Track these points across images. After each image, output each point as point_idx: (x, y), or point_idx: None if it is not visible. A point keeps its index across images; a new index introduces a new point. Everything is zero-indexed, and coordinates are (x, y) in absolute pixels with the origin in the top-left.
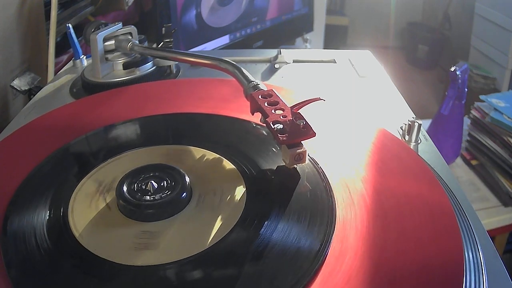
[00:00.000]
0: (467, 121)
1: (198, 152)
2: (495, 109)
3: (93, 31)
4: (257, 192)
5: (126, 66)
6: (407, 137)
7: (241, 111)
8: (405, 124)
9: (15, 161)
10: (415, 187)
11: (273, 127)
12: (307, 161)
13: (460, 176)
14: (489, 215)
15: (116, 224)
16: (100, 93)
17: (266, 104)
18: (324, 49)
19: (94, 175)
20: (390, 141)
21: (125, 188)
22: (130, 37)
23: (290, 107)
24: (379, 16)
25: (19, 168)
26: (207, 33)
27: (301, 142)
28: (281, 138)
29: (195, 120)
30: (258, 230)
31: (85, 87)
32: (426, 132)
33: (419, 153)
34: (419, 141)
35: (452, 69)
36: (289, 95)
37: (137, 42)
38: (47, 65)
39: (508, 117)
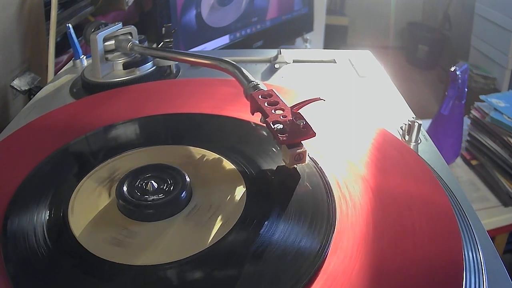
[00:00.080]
0: (467, 121)
1: (198, 152)
2: (495, 109)
3: (93, 31)
4: (257, 192)
5: (126, 66)
6: (407, 137)
7: (241, 111)
8: (405, 124)
9: (15, 161)
10: (415, 187)
11: (273, 127)
12: (307, 161)
13: (460, 176)
14: (489, 215)
15: (116, 224)
16: (100, 93)
17: (266, 104)
18: (324, 49)
19: (94, 175)
20: (390, 141)
21: (125, 188)
22: (130, 37)
23: (290, 107)
24: (379, 16)
25: (19, 168)
26: (207, 33)
27: (301, 142)
28: (281, 138)
29: (195, 120)
30: (258, 230)
31: (85, 87)
32: (426, 132)
33: (419, 153)
34: (419, 141)
35: (452, 69)
36: (289, 95)
37: (137, 42)
38: (47, 65)
39: (508, 117)
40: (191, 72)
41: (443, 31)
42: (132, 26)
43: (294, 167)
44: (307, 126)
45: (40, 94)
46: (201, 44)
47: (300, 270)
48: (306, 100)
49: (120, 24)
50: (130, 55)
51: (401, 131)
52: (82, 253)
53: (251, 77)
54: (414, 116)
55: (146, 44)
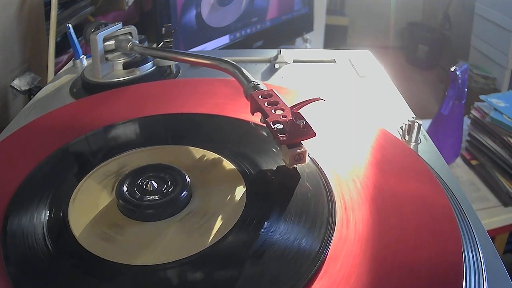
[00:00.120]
0: (467, 121)
1: (198, 152)
2: (495, 109)
3: (93, 31)
4: (257, 192)
5: (126, 66)
6: (407, 137)
7: (241, 111)
8: (405, 124)
9: (15, 161)
10: (415, 187)
11: (273, 127)
12: (307, 161)
13: (460, 176)
14: (489, 215)
15: (116, 224)
16: (100, 93)
17: (266, 104)
18: (324, 49)
19: (94, 175)
20: (390, 141)
21: (125, 188)
22: (130, 37)
23: (290, 107)
24: (379, 16)
25: (19, 168)
26: (207, 33)
27: (301, 142)
28: (281, 138)
29: (195, 120)
30: (258, 230)
31: (85, 87)
32: (426, 132)
33: (419, 153)
34: (419, 141)
35: (452, 69)
36: (289, 95)
37: (137, 42)
38: (47, 65)
39: (508, 117)
40: (191, 72)
41: (443, 31)
42: (132, 26)
43: (294, 167)
44: (307, 126)
45: (40, 94)
46: (201, 44)
47: (300, 270)
48: (306, 100)
49: (120, 24)
50: (130, 55)
51: (401, 131)
52: (82, 253)
53: (251, 77)
54: (414, 116)
55: (146, 44)
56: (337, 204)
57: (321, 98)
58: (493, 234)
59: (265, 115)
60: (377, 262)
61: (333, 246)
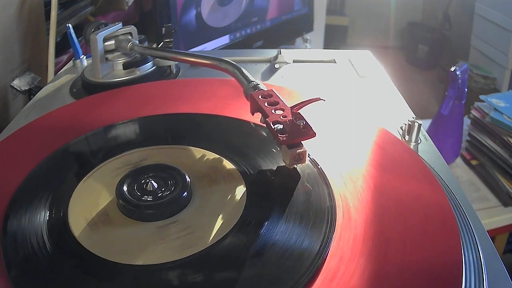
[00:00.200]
0: (467, 121)
1: (198, 152)
2: (495, 109)
3: (93, 31)
4: (257, 193)
5: (126, 66)
6: (407, 137)
7: (241, 111)
8: (405, 124)
9: (15, 161)
10: (415, 187)
11: (273, 127)
12: (307, 161)
13: (460, 176)
14: (489, 215)
15: (116, 224)
16: (100, 93)
17: (266, 104)
18: (324, 49)
19: (94, 175)
20: (390, 141)
21: (125, 188)
22: (130, 37)
23: (290, 107)
24: (379, 16)
25: (19, 168)
26: (207, 33)
27: (301, 142)
28: (281, 138)
29: (195, 120)
30: (258, 230)
31: (85, 87)
32: (426, 132)
33: (419, 153)
34: (419, 141)
35: (452, 69)
36: (289, 95)
37: (137, 42)
38: (47, 65)
39: (508, 117)
40: (191, 72)
41: (443, 31)
42: (132, 26)
43: (294, 167)
44: (307, 126)
45: (40, 94)
46: (201, 44)
47: (300, 270)
48: (306, 100)
49: (120, 24)
50: (130, 55)
51: (401, 131)
52: (82, 253)
53: (251, 77)
54: (414, 116)
55: (146, 44)
56: (337, 204)
57: (321, 98)
58: (493, 234)
59: (265, 115)
60: (377, 262)
61: (333, 246)
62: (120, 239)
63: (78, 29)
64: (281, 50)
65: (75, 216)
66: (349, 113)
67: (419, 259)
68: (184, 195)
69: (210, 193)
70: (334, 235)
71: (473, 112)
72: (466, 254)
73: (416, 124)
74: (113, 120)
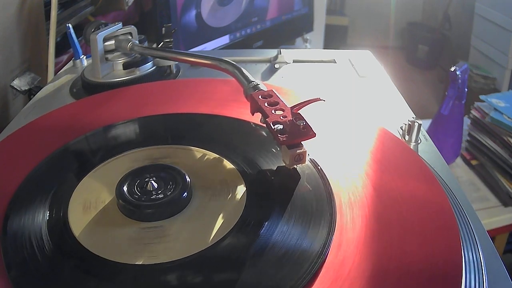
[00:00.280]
0: (467, 121)
1: (198, 152)
2: (495, 109)
3: (93, 31)
4: (257, 193)
5: (126, 66)
6: (407, 137)
7: (241, 111)
8: (405, 124)
9: (15, 161)
10: (415, 187)
11: (273, 127)
12: (307, 161)
13: (460, 176)
14: (489, 215)
15: (116, 223)
16: (100, 93)
17: (266, 105)
18: (324, 49)
19: (94, 175)
20: (390, 141)
21: (125, 188)
22: (130, 37)
23: (290, 107)
24: (379, 16)
25: (19, 168)
26: (207, 33)
27: (301, 142)
28: (281, 139)
29: (195, 120)
30: (258, 230)
31: (85, 87)
32: (426, 132)
33: (419, 153)
34: (419, 141)
35: (452, 69)
36: (289, 95)
37: (137, 42)
38: (47, 65)
39: (508, 117)
40: (191, 72)
41: (443, 31)
42: (132, 26)
43: (294, 167)
44: (307, 126)
45: (40, 94)
46: (201, 44)
47: (300, 270)
48: (306, 101)
49: (120, 24)
50: (130, 55)
51: (401, 131)
52: (82, 253)
53: (251, 77)
54: (414, 116)
55: (146, 44)
56: (337, 205)
57: (321, 98)
58: (493, 234)
59: (265, 116)
60: (377, 262)
61: (333, 247)
62: (120, 239)
63: (78, 29)
64: (281, 50)
65: (75, 216)
66: (349, 113)
67: (419, 259)
68: (184, 195)
69: (210, 193)
70: (334, 235)
71: (473, 112)
72: (466, 254)
73: (416, 124)
74: (113, 120)
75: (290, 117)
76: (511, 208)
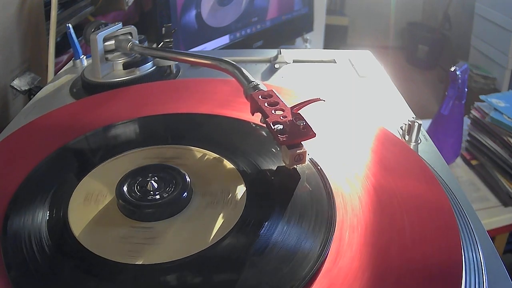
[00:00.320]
0: (467, 121)
1: (198, 152)
2: (495, 109)
3: (93, 31)
4: (257, 193)
5: (126, 66)
6: (407, 137)
7: (241, 111)
8: (405, 124)
9: (15, 161)
10: (415, 187)
11: (273, 127)
12: (307, 161)
13: (460, 176)
14: (489, 215)
15: (116, 223)
16: (100, 93)
17: (266, 105)
18: (324, 49)
19: (94, 174)
20: (390, 141)
21: (125, 188)
22: (130, 37)
23: (290, 107)
24: (379, 16)
25: (19, 168)
26: (207, 33)
27: (301, 142)
28: (281, 139)
29: (195, 120)
30: (258, 230)
31: (85, 87)
32: (426, 132)
33: (419, 153)
34: (419, 141)
35: (452, 69)
36: (289, 95)
37: (137, 42)
38: (47, 65)
39: (508, 117)
40: (191, 72)
41: (443, 31)
42: (132, 26)
43: (294, 167)
44: (307, 126)
45: (40, 94)
46: (201, 44)
47: (300, 271)
48: (306, 101)
49: (120, 24)
50: (130, 55)
51: (401, 131)
52: (82, 253)
53: (251, 78)
54: (414, 116)
55: (146, 44)
56: (337, 205)
57: (321, 98)
58: (493, 234)
59: (265, 116)
60: (377, 262)
61: (333, 247)
62: (120, 239)
63: (78, 29)
64: (281, 50)
65: (75, 216)
66: (349, 113)
67: (419, 259)
68: (184, 195)
69: (210, 193)
70: (334, 236)
71: (473, 112)
72: (466, 254)
73: (416, 124)
74: (113, 120)
75: (290, 117)
76: (511, 208)
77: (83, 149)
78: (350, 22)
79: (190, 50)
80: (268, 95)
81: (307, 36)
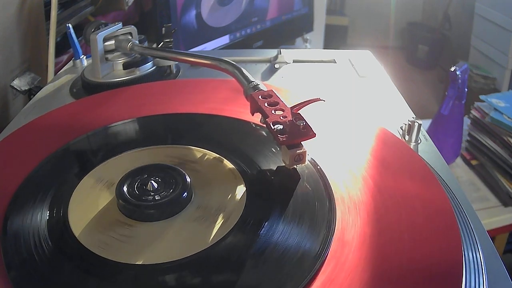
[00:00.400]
0: (467, 121)
1: (198, 152)
2: (495, 109)
3: (93, 31)
4: (257, 193)
5: (126, 66)
6: (407, 137)
7: (241, 111)
8: (405, 124)
9: (15, 161)
10: (415, 187)
11: (273, 127)
12: (307, 161)
13: (460, 176)
14: (489, 215)
15: (116, 223)
16: (100, 93)
17: (266, 105)
18: (324, 49)
19: (94, 174)
20: (390, 141)
21: (125, 188)
22: (130, 37)
23: (290, 107)
24: (379, 16)
25: (19, 168)
26: (207, 33)
27: (301, 142)
28: (281, 139)
29: (195, 120)
30: (257, 230)
31: (85, 87)
32: (426, 132)
33: (419, 153)
34: (419, 141)
35: (452, 69)
36: (289, 95)
37: (137, 42)
38: (47, 65)
39: (508, 117)
40: (191, 72)
41: (443, 31)
42: (132, 26)
43: (294, 167)
44: (307, 126)
45: (40, 94)
46: (201, 44)
47: (300, 271)
48: (306, 101)
49: (120, 24)
50: (130, 55)
51: (401, 131)
52: (83, 253)
53: (251, 78)
54: (414, 116)
55: (146, 44)
56: (336, 205)
57: (321, 98)
58: (493, 234)
59: (265, 116)
60: (377, 262)
61: (333, 247)
62: (120, 239)
63: (78, 29)
64: (281, 50)
65: (75, 216)
66: (349, 113)
67: (419, 259)
68: (184, 195)
69: (210, 193)
70: (334, 236)
71: (473, 112)
72: (466, 254)
73: (416, 124)
74: (113, 120)
75: (290, 117)
76: (511, 208)
77: (83, 149)
78: (350, 22)
79: (190, 50)
80: (268, 95)
81: (307, 36)
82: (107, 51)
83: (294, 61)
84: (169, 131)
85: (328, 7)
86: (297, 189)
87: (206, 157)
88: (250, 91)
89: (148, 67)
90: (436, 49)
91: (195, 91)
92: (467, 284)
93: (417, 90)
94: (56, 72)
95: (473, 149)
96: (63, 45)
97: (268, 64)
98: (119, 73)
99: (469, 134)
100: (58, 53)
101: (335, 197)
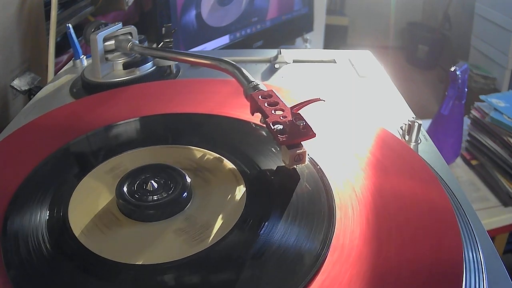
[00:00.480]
0: (467, 121)
1: (198, 152)
2: (495, 109)
3: (93, 31)
4: (257, 193)
5: (126, 66)
6: (407, 137)
7: (241, 111)
8: (405, 124)
9: (15, 161)
10: (415, 187)
11: (273, 127)
12: (307, 161)
13: (460, 176)
14: (489, 215)
15: (116, 223)
16: (100, 93)
17: (266, 105)
18: (324, 49)
19: (94, 174)
20: (390, 141)
21: (125, 188)
22: (130, 37)
23: (290, 107)
24: (379, 16)
25: (19, 168)
26: (207, 33)
27: (301, 142)
28: (280, 139)
29: (195, 120)
30: (257, 230)
31: (85, 87)
32: (426, 132)
33: (419, 153)
34: (419, 141)
35: (452, 69)
36: (289, 95)
37: (137, 42)
38: (47, 65)
39: (508, 117)
40: (191, 72)
41: (443, 31)
42: (132, 26)
43: (294, 167)
44: (307, 126)
45: (40, 94)
46: (201, 44)
47: (300, 271)
48: (306, 101)
49: (120, 24)
50: (130, 55)
51: (401, 131)
52: (83, 252)
53: (251, 78)
54: (414, 116)
55: (146, 44)
56: (336, 205)
57: (321, 98)
58: (493, 234)
59: (265, 116)
60: (377, 262)
61: (332, 247)
62: (120, 239)
63: (78, 29)
64: (281, 50)
65: (75, 216)
66: (349, 113)
67: (419, 259)
68: (184, 195)
69: (210, 193)
70: (333, 236)
71: (473, 112)
72: (466, 254)
73: (416, 124)
74: (113, 120)
75: (290, 117)
76: (511, 208)
77: (83, 149)
78: (350, 22)
79: (190, 50)
80: (268, 95)
81: (307, 36)
82: (107, 51)
83: (294, 61)
84: (169, 131)
85: (328, 7)
86: (297, 189)
87: (206, 157)
88: (250, 91)
89: (148, 67)
90: (436, 49)
91: (195, 91)
92: (467, 284)
93: (417, 90)
94: (56, 72)
95: (473, 149)
96: (63, 45)
97: (268, 64)
98: (119, 73)
99: (469, 134)
100: (58, 53)
101: (335, 197)
